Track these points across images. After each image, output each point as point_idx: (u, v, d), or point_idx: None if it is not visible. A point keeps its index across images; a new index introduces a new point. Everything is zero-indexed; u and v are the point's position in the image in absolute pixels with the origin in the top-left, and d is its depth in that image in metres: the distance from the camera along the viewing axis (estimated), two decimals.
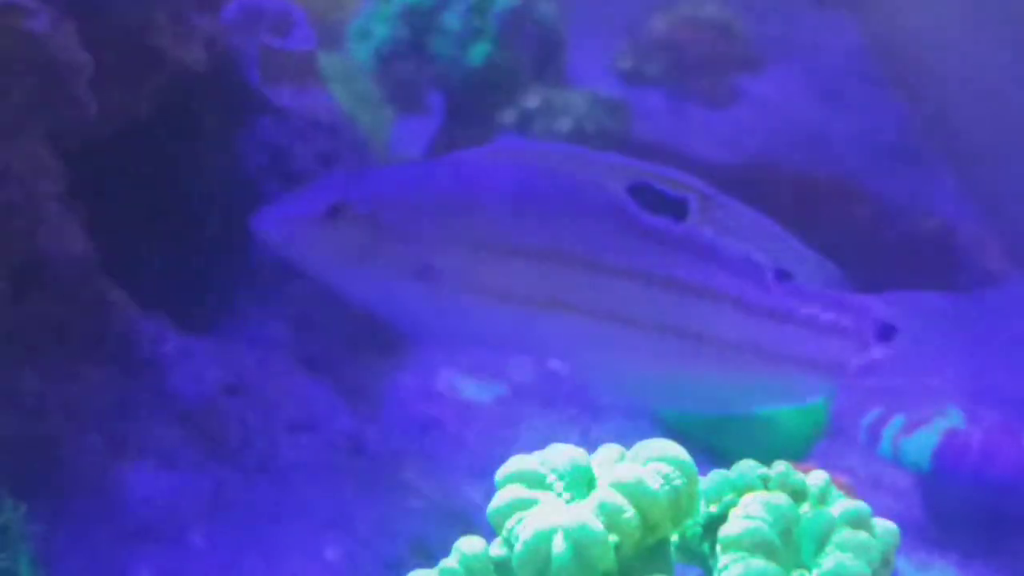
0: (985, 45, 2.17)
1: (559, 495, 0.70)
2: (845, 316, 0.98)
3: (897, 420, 1.23)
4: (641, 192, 0.93)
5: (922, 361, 1.03)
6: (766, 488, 0.71)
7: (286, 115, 1.25)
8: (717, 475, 0.72)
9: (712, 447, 1.33)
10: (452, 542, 1.09)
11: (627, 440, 1.45)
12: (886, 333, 0.99)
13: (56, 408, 1.04)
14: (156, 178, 1.24)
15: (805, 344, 0.97)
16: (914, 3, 2.49)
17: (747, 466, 0.72)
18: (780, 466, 0.72)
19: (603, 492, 0.68)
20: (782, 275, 0.98)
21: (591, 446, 1.46)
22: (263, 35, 1.26)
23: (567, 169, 0.93)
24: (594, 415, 1.40)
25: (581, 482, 0.71)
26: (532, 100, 2.06)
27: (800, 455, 1.34)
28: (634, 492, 0.67)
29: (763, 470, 0.72)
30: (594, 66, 2.53)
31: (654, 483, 0.68)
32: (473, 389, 1.42)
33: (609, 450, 0.72)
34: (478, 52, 1.79)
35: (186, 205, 1.26)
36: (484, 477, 1.27)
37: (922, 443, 1.19)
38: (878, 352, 0.99)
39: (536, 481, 0.71)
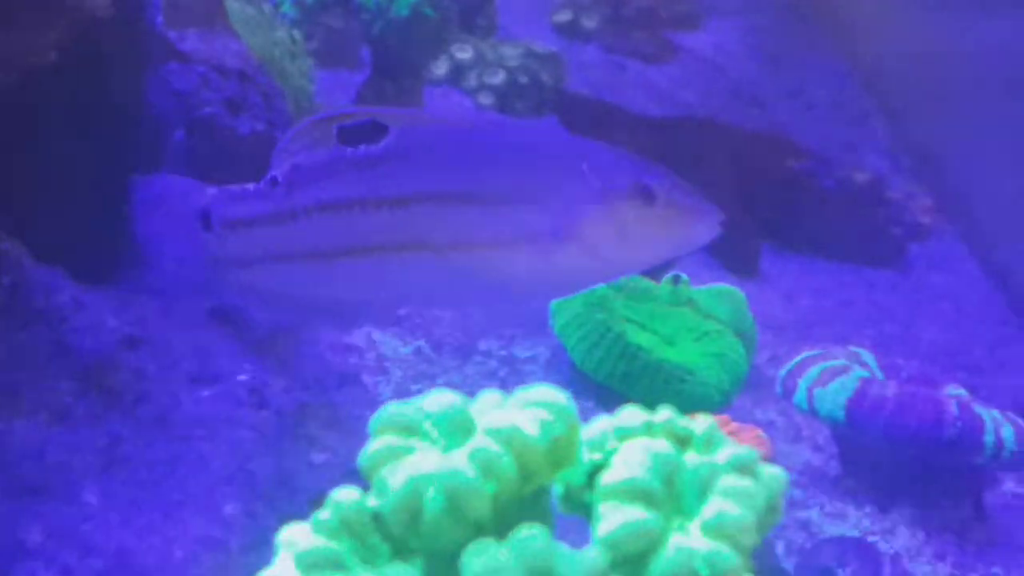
0: (918, 4, 2.16)
1: (434, 442, 0.68)
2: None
3: (813, 370, 1.22)
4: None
5: None
6: (649, 435, 0.69)
7: (191, 60, 1.21)
8: (599, 422, 0.70)
9: (631, 399, 1.32)
10: None
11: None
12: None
13: None
14: (58, 125, 1.21)
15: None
16: None
17: (630, 412, 0.70)
18: (665, 412, 0.70)
19: (478, 439, 0.65)
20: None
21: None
22: None
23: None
24: (512, 368, 1.38)
25: (458, 429, 0.69)
26: (464, 52, 2.03)
27: (720, 406, 1.32)
28: (510, 438, 0.65)
29: (648, 416, 0.71)
30: (533, 19, 2.50)
31: (531, 429, 0.66)
32: (392, 343, 1.40)
33: (489, 396, 0.70)
34: (403, 3, 1.75)
35: (89, 152, 1.22)
36: None
37: (837, 393, 1.18)
38: None
39: (411, 428, 0.69)
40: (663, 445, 0.67)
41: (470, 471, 0.65)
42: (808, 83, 2.37)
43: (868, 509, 1.21)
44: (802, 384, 1.22)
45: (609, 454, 0.68)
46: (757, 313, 1.65)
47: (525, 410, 0.67)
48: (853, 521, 1.20)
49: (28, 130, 1.19)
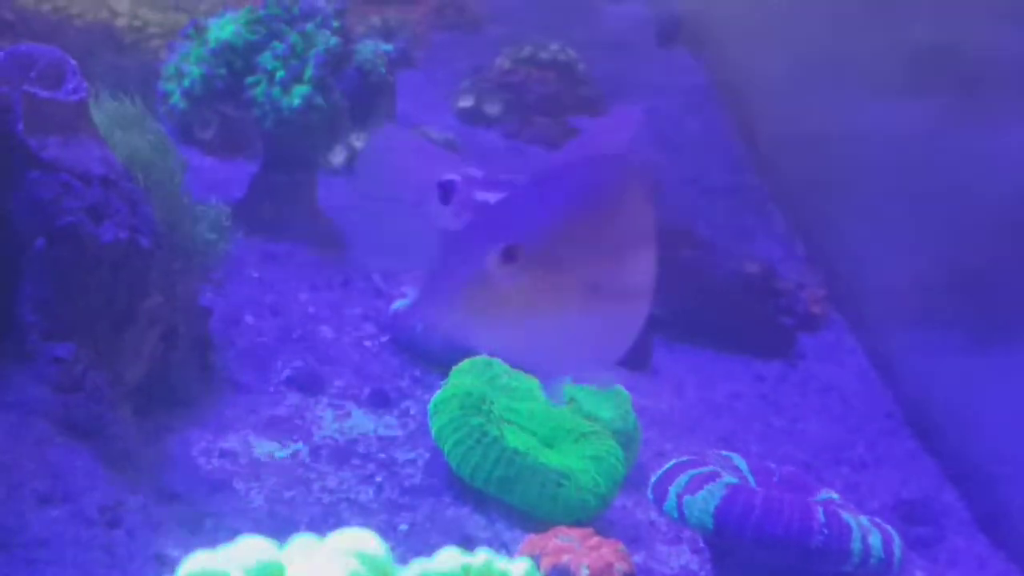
0: (809, 84, 2.19)
1: None
2: None
3: (682, 478, 1.22)
4: None
5: None
6: None
7: (53, 168, 1.20)
8: (417, 565, 0.69)
9: (509, 503, 1.31)
10: None
11: (420, 499, 1.41)
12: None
13: None
14: None
15: None
16: (750, 48, 2.51)
17: (448, 556, 0.69)
18: (482, 555, 0.69)
19: None
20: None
21: (384, 505, 1.41)
22: (30, 85, 1.20)
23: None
24: (390, 471, 1.37)
25: None
26: (361, 140, 2.03)
27: (596, 510, 1.31)
28: None
29: (467, 559, 0.70)
30: (437, 105, 2.51)
31: None
32: (268, 446, 1.38)
33: (301, 541, 0.68)
34: (296, 93, 1.75)
35: None
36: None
37: (706, 501, 1.18)
38: None
39: None
40: None
41: None
42: (707, 168, 2.40)
43: None
44: (672, 491, 1.22)
45: None
46: (646, 407, 1.65)
47: (337, 560, 0.66)
48: None
49: None
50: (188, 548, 1.12)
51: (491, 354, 0.93)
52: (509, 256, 0.83)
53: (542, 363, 0.93)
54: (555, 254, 0.85)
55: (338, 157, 2.04)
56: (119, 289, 1.23)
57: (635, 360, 1.76)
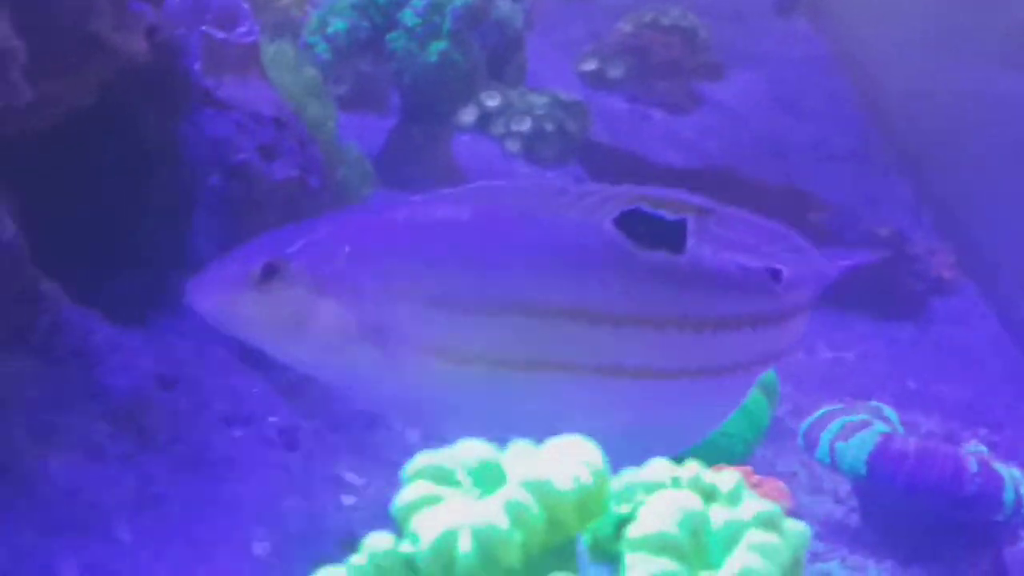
0: (940, 57, 2.18)
1: (467, 491, 0.70)
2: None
3: (835, 424, 1.23)
4: (634, 223, 0.81)
5: None
6: (677, 488, 0.71)
7: (228, 107, 1.24)
8: (628, 475, 0.72)
9: None
10: None
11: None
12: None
13: None
14: (95, 169, 1.23)
15: (793, 335, 0.95)
16: (873, 16, 2.50)
17: (658, 466, 0.72)
18: (692, 467, 0.72)
19: (510, 489, 0.67)
20: (776, 273, 0.91)
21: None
22: (206, 26, 1.25)
23: (553, 207, 0.80)
24: None
25: (490, 479, 0.71)
26: (492, 99, 2.06)
27: (741, 457, 1.33)
28: (541, 490, 0.67)
29: (675, 470, 0.72)
30: (559, 68, 2.53)
31: (562, 481, 0.67)
32: None
33: (521, 447, 0.72)
34: (433, 49, 1.78)
35: (124, 196, 1.25)
36: None
37: (858, 448, 1.19)
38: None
39: (444, 477, 0.71)
40: (690, 499, 0.69)
41: (503, 521, 0.67)
42: (830, 134, 2.39)
43: (888, 563, 1.22)
44: (824, 438, 1.23)
45: (637, 506, 0.70)
46: (778, 365, 1.66)
47: (557, 462, 0.69)
48: (873, 574, 1.20)
49: (66, 173, 1.22)
50: (360, 472, 1.17)
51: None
52: (271, 269, 0.80)
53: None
54: (334, 279, 0.80)
55: (469, 115, 2.07)
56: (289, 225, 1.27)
57: None
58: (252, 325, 0.83)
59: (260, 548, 1.05)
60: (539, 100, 2.04)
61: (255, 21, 1.28)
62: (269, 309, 0.81)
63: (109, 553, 1.03)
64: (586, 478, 0.68)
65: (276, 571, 1.05)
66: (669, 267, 0.82)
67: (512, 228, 0.81)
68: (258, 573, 1.04)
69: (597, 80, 2.38)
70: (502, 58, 1.84)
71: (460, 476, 0.71)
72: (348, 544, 1.10)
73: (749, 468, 1.18)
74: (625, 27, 2.52)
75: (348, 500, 1.10)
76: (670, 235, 0.82)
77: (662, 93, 2.35)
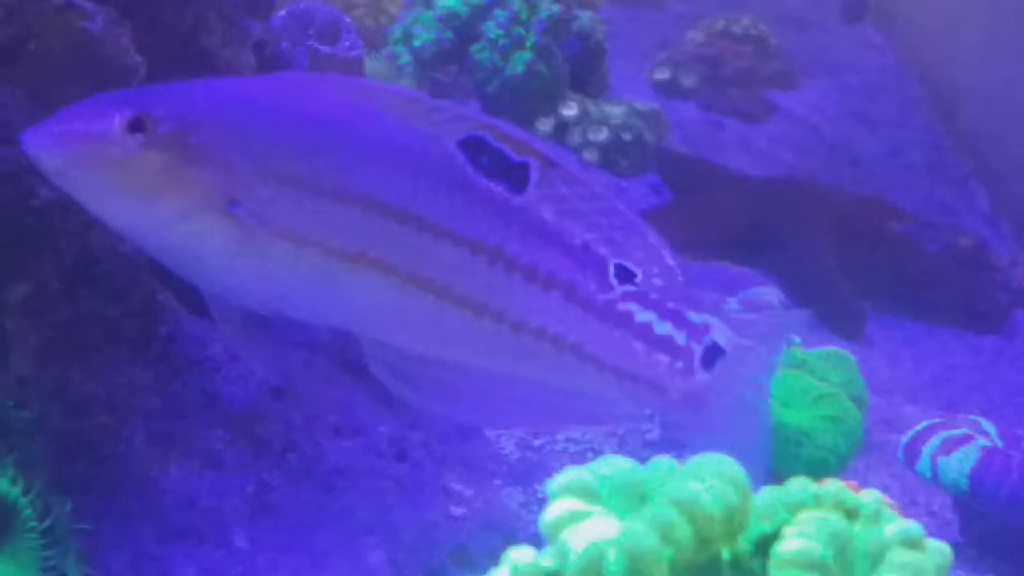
0: (1016, 64, 2.17)
1: (612, 508, 0.71)
2: (680, 332, 0.83)
3: (935, 439, 1.23)
4: (477, 148, 0.81)
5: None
6: (818, 506, 0.71)
7: None
8: (769, 492, 0.72)
9: None
10: (493, 550, 1.09)
11: (663, 453, 1.45)
12: (710, 358, 0.83)
13: (103, 406, 1.05)
14: None
15: (632, 357, 0.83)
16: (945, 23, 2.49)
17: (799, 484, 0.73)
18: (833, 485, 0.73)
19: (657, 506, 0.68)
20: (624, 273, 0.83)
21: (628, 457, 1.46)
22: (312, 41, 1.27)
23: (402, 112, 0.81)
24: (631, 427, 1.41)
25: (634, 495, 0.72)
26: (570, 109, 2.07)
27: (836, 471, 1.33)
28: (689, 507, 0.68)
29: (815, 488, 0.73)
30: (631, 78, 2.53)
31: (709, 499, 0.68)
32: None
33: (662, 463, 0.73)
34: (518, 60, 1.79)
35: None
36: (522, 485, 1.28)
37: (960, 462, 1.19)
38: (699, 380, 0.83)
39: (589, 493, 0.72)
40: (835, 517, 0.69)
41: (650, 537, 0.68)
42: (904, 143, 2.38)
43: None
44: (925, 452, 1.23)
45: (777, 524, 0.71)
46: (863, 376, 1.66)
47: (701, 479, 0.70)
48: None
49: None
50: (468, 484, 1.18)
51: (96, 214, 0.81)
52: (136, 124, 0.76)
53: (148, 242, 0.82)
54: (201, 146, 0.77)
55: (546, 125, 2.09)
56: None
57: (848, 330, 1.77)
58: (103, 184, 0.76)
59: (374, 558, 1.07)
60: (615, 110, 2.04)
61: (357, 35, 1.30)
62: (127, 170, 0.76)
63: (227, 560, 1.05)
64: (732, 496, 0.69)
65: None
66: (502, 201, 0.81)
67: (369, 126, 0.81)
68: None
69: (670, 89, 2.39)
70: (585, 69, 1.85)
71: (605, 492, 0.72)
72: (460, 555, 1.11)
73: (854, 483, 1.18)
74: (697, 36, 2.52)
75: (457, 511, 1.11)
76: (510, 172, 0.82)
77: (735, 102, 2.35)
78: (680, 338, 0.83)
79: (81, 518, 0.96)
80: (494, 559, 1.16)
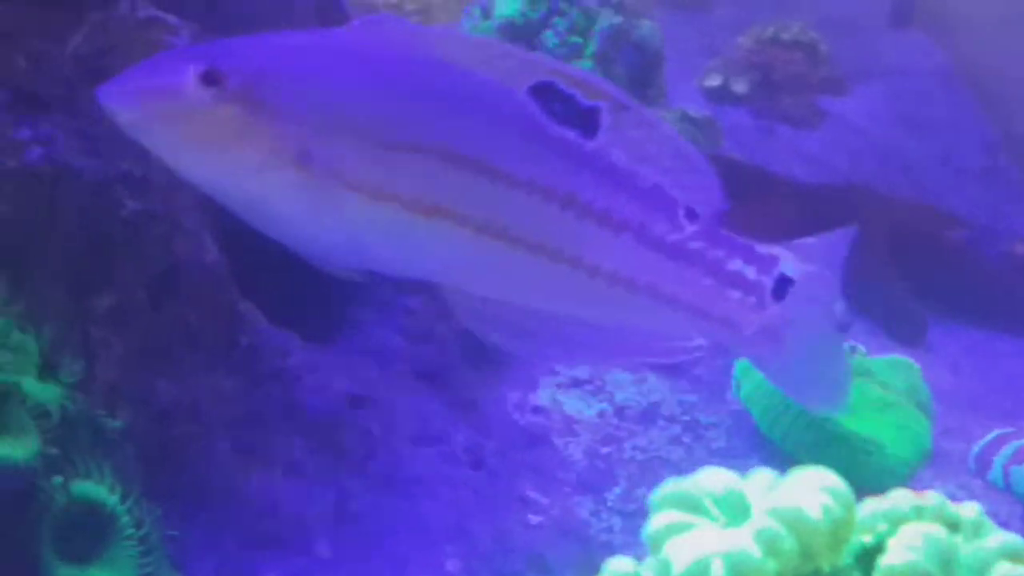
0: None
1: (714, 520, 0.72)
2: (750, 267, 0.84)
3: (1007, 448, 1.23)
4: (548, 95, 0.81)
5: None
6: (919, 519, 0.72)
7: None
8: (871, 504, 0.73)
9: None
10: (569, 559, 1.10)
11: (730, 461, 1.46)
12: (781, 289, 0.85)
13: (187, 415, 1.06)
14: None
15: (705, 294, 0.84)
16: (994, 26, 2.48)
17: (900, 496, 0.73)
18: (935, 498, 0.73)
19: (761, 519, 0.69)
20: (693, 214, 0.84)
21: (697, 465, 1.46)
22: None
23: (472, 59, 0.81)
24: (695, 434, 1.41)
25: (735, 507, 0.72)
26: None
27: (905, 480, 1.33)
28: (794, 520, 0.68)
29: (917, 500, 0.73)
30: (681, 84, 2.54)
31: (814, 512, 0.69)
32: (576, 404, 1.43)
33: (762, 476, 0.73)
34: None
35: None
36: (592, 492, 1.28)
37: None
38: (772, 313, 0.85)
39: (692, 505, 0.72)
40: (938, 530, 0.70)
41: (756, 550, 0.68)
42: (956, 148, 2.38)
43: None
44: (997, 462, 1.23)
45: (879, 536, 0.71)
46: (926, 383, 1.65)
47: (805, 492, 0.70)
48: None
49: None
50: (546, 492, 1.19)
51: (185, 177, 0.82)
52: (209, 77, 0.77)
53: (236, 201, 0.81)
54: (271, 99, 0.77)
55: None
56: None
57: (909, 337, 1.77)
58: (178, 137, 0.78)
59: (452, 566, 1.08)
60: (669, 116, 2.05)
61: None
62: (201, 123, 0.77)
63: (310, 567, 1.06)
64: (836, 507, 0.70)
65: None
66: (574, 147, 0.81)
67: (440, 76, 0.81)
68: None
69: (721, 95, 2.39)
70: (643, 78, 1.85)
71: (707, 504, 0.73)
72: (537, 563, 1.12)
73: (931, 492, 1.18)
74: (746, 42, 2.52)
75: (534, 519, 1.12)
76: (582, 117, 0.82)
77: (786, 108, 2.35)
78: (750, 272, 0.83)
79: (168, 525, 0.97)
80: (570, 567, 1.17)
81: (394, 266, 0.85)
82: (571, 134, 0.80)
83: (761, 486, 0.73)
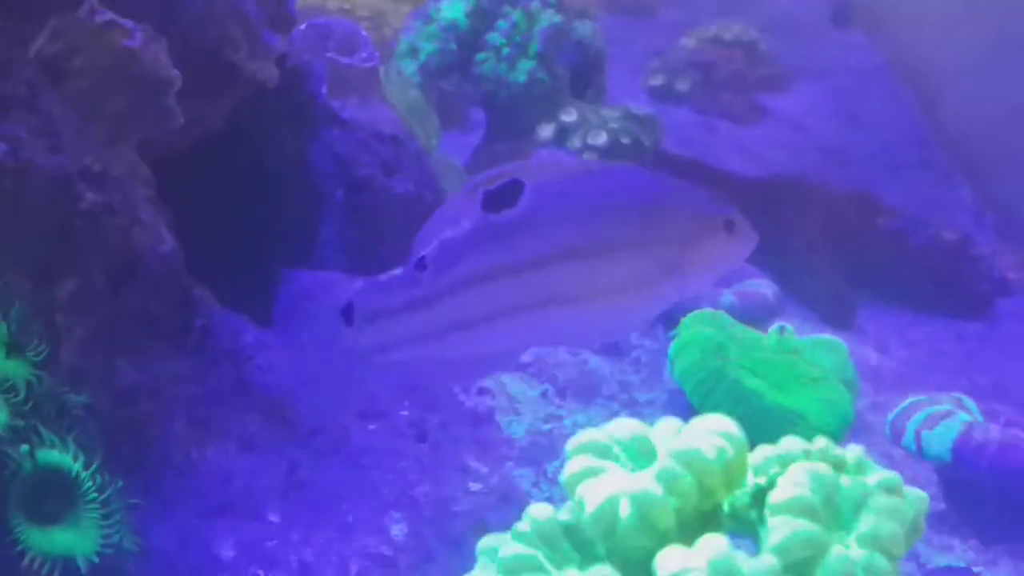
0: (1001, 64, 2.25)
1: (623, 464, 0.79)
2: None
3: (920, 414, 1.31)
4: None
5: None
6: (809, 460, 0.79)
7: (352, 127, 1.34)
8: (764, 449, 0.80)
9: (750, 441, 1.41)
10: (509, 523, 1.18)
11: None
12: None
13: (146, 394, 1.13)
14: (232, 184, 1.33)
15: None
16: (930, 26, 2.57)
17: (791, 441, 0.81)
18: (821, 441, 0.81)
19: (663, 460, 0.76)
20: None
21: None
22: (331, 53, 1.35)
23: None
24: (633, 410, 1.49)
25: (643, 452, 0.80)
26: (570, 115, 2.15)
27: None
28: (691, 461, 0.76)
29: (806, 444, 0.81)
30: (625, 83, 2.62)
31: (710, 453, 0.76)
32: (519, 385, 1.50)
33: (667, 424, 0.81)
34: (521, 69, 1.87)
35: (258, 209, 1.35)
36: (534, 465, 1.36)
37: (943, 436, 1.27)
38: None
39: (603, 451, 0.80)
40: (823, 468, 0.77)
41: (658, 489, 0.76)
42: (892, 143, 2.47)
43: (972, 542, 1.30)
44: (910, 427, 1.31)
45: (773, 477, 0.78)
46: (854, 362, 1.74)
47: (703, 436, 0.78)
48: (959, 553, 1.28)
49: (206, 189, 1.32)
50: (488, 464, 1.26)
51: None
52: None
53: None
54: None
55: (547, 130, 2.17)
56: (409, 237, 1.37)
57: (839, 319, 1.86)
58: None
59: (398, 530, 1.14)
60: (612, 114, 2.12)
61: (373, 47, 1.38)
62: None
63: (262, 534, 1.13)
64: (729, 449, 0.77)
65: (413, 550, 1.14)
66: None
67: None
68: (397, 552, 1.13)
69: (664, 94, 2.47)
70: (584, 78, 1.93)
71: (616, 450, 0.80)
72: (478, 527, 1.19)
73: (820, 437, 1.26)
74: (689, 43, 2.61)
75: (475, 487, 1.19)
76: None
77: (727, 105, 2.44)
78: None
79: (129, 496, 1.03)
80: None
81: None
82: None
83: (667, 433, 0.81)
